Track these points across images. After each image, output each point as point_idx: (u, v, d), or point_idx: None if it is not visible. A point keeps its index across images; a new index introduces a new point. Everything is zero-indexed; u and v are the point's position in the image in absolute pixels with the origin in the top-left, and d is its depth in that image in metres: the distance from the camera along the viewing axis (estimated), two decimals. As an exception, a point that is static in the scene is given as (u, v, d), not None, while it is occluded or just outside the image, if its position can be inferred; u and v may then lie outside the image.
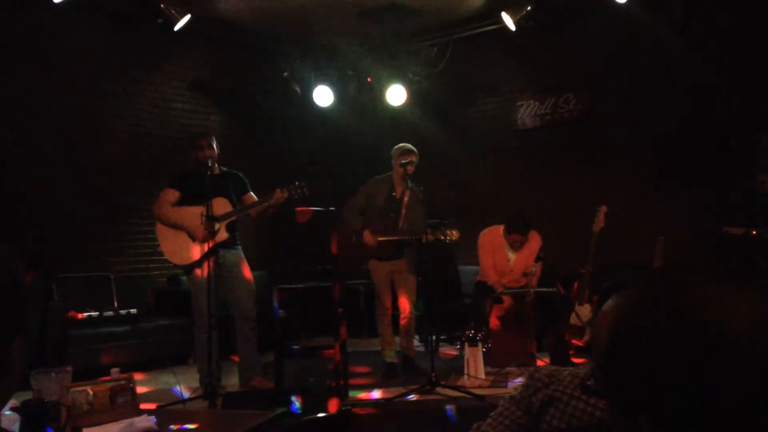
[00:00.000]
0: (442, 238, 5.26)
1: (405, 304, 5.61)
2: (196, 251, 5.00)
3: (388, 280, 5.65)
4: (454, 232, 5.28)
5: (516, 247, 5.91)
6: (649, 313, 0.72)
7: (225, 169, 5.32)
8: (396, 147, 5.72)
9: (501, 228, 6.00)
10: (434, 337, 6.11)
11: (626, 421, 0.72)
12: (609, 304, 0.77)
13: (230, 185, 5.21)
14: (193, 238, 5.05)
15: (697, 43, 6.25)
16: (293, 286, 5.92)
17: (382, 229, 5.54)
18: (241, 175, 5.36)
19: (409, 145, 5.67)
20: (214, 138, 5.24)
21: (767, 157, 6.09)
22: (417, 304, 5.76)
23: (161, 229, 5.18)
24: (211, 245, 4.90)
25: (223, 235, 5.02)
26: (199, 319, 5.04)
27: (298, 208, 5.11)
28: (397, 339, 5.74)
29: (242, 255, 5.25)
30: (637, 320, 0.73)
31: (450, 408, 4.44)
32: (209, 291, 4.77)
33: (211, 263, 4.84)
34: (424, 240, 5.24)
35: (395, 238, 5.50)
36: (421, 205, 5.56)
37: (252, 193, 5.31)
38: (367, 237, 5.54)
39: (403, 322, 5.61)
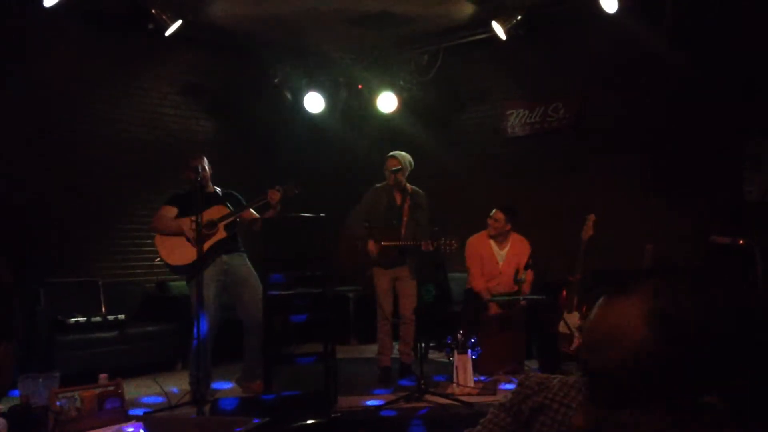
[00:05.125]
0: (442, 248, 5.29)
1: (406, 311, 5.62)
2: (193, 252, 4.91)
3: (391, 288, 5.65)
4: (453, 242, 5.30)
5: (495, 229, 5.97)
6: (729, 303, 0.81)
7: (219, 189, 5.31)
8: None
9: (487, 233, 6.06)
10: (423, 345, 6.11)
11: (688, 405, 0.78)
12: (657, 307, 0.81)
13: (227, 202, 5.22)
14: (192, 243, 5.02)
15: (685, 51, 6.30)
16: (283, 292, 5.90)
17: (384, 237, 5.55)
18: (236, 193, 5.39)
19: (393, 152, 5.67)
20: (205, 158, 5.20)
21: (755, 165, 6.14)
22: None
23: (161, 240, 5.17)
24: (211, 245, 4.93)
25: (222, 233, 5.04)
26: (194, 323, 5.03)
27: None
28: (395, 344, 5.77)
29: (247, 262, 5.27)
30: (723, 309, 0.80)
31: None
32: (200, 295, 4.75)
33: (211, 269, 4.88)
34: (423, 248, 5.27)
35: (398, 243, 5.52)
36: (422, 211, 5.57)
37: (251, 209, 5.31)
38: (371, 246, 5.55)
39: (403, 328, 5.62)
